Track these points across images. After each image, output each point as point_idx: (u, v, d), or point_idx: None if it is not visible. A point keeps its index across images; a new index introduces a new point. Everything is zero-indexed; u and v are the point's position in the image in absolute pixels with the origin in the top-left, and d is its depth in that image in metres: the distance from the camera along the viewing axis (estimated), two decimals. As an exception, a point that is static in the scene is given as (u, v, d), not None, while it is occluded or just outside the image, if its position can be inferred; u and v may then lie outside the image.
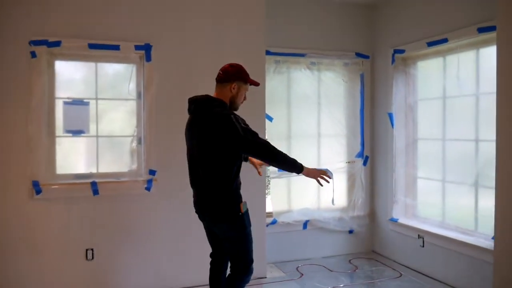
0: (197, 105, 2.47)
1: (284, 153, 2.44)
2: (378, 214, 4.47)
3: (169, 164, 3.50)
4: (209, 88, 2.61)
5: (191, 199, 2.60)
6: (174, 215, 3.52)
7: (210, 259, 2.73)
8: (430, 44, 3.72)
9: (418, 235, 3.89)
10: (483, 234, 3.44)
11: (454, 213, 3.77)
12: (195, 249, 3.47)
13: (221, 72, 2.53)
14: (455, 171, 3.80)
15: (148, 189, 3.46)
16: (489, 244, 3.24)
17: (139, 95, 3.55)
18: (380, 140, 4.41)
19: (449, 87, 3.80)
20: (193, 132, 2.49)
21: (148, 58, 3.46)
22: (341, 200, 4.49)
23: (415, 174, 4.18)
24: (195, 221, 2.73)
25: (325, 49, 4.30)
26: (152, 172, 3.47)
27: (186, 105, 2.55)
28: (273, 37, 4.03)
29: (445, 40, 3.57)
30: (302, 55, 4.23)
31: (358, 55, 4.42)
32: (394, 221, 4.16)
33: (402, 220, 4.12)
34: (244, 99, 2.60)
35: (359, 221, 4.44)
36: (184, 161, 2.61)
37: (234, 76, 2.51)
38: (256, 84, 2.62)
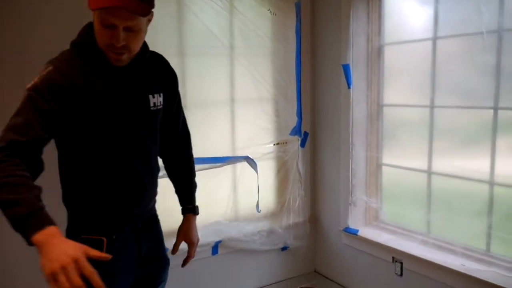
0: None
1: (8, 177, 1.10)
2: (323, 221, 2.97)
3: None
4: None
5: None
6: None
7: None
8: None
9: (393, 258, 2.48)
10: (501, 259, 2.13)
11: (446, 224, 2.40)
12: None
13: None
14: (450, 155, 2.42)
15: None
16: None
17: None
18: (327, 107, 2.85)
19: (445, 20, 2.33)
20: None
21: None
22: (269, 202, 2.91)
23: (379, 160, 2.73)
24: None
25: (239, -45, 2.56)
26: None
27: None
28: None
29: None
30: (201, -37, 2.44)
31: (292, -30, 2.74)
32: (351, 233, 2.70)
33: (365, 232, 2.67)
34: (113, 41, 1.28)
35: (296, 232, 2.91)
36: None
37: None
38: (105, 2, 1.24)
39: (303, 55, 2.84)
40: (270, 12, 2.73)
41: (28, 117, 1.20)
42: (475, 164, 2.25)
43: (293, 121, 2.86)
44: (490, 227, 2.16)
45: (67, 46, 1.41)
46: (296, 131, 2.87)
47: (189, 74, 2.55)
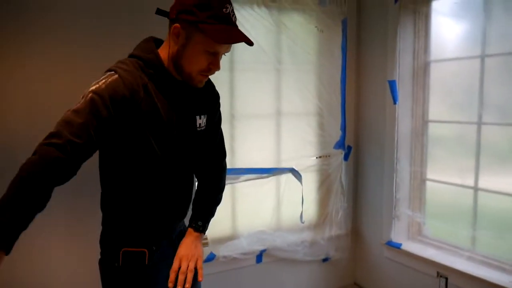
0: None
1: (17, 183, 1.12)
2: (364, 234, 3.01)
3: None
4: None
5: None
6: None
7: None
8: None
9: (438, 272, 2.49)
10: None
11: (494, 241, 2.40)
12: None
13: None
14: (496, 172, 2.43)
15: None
16: None
17: None
18: (370, 122, 2.91)
19: (494, 38, 2.36)
20: None
21: None
22: (312, 214, 2.97)
23: (423, 175, 2.75)
24: None
25: (290, -26, 2.66)
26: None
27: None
28: None
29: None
30: (253, -18, 2.56)
31: (340, -11, 2.83)
32: (394, 246, 2.72)
33: (409, 246, 2.69)
34: (213, 67, 1.33)
35: (338, 244, 2.95)
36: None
37: (181, 10, 1.28)
38: (233, 39, 1.32)
39: (348, 71, 2.91)
40: (318, 29, 2.82)
41: (87, 120, 1.20)
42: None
43: (337, 134, 2.92)
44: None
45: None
46: (340, 144, 2.93)
47: (238, 88, 2.65)
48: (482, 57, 2.37)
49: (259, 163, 2.72)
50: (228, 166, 2.54)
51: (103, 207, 1.46)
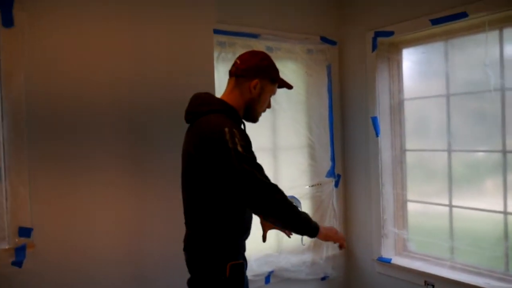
0: (190, 107, 1.82)
1: (295, 206, 1.73)
2: (356, 252, 3.36)
3: (58, 214, 1.95)
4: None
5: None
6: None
7: None
8: (436, 21, 2.73)
9: (425, 281, 2.87)
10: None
11: (467, 250, 2.82)
12: None
13: (238, 61, 1.84)
14: (467, 191, 2.88)
15: (18, 263, 1.86)
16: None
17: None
18: (356, 152, 3.32)
19: (455, 80, 2.86)
20: (183, 148, 1.83)
21: (7, 20, 1.89)
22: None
23: (405, 197, 3.18)
24: None
25: (284, 29, 3.09)
26: (24, 232, 1.88)
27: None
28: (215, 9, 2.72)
29: (463, 15, 2.60)
30: (255, 36, 2.96)
31: (324, 40, 3.29)
32: (385, 261, 3.09)
33: (397, 260, 3.07)
34: (268, 107, 1.92)
35: (334, 262, 3.29)
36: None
37: (259, 70, 1.81)
38: (289, 86, 1.96)
39: (334, 109, 3.35)
40: (307, 73, 3.26)
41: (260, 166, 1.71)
42: (490, 197, 2.71)
43: (327, 165, 3.31)
44: (507, 249, 2.59)
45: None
46: (331, 173, 3.32)
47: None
48: (448, 96, 2.87)
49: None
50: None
51: (206, 231, 1.74)
